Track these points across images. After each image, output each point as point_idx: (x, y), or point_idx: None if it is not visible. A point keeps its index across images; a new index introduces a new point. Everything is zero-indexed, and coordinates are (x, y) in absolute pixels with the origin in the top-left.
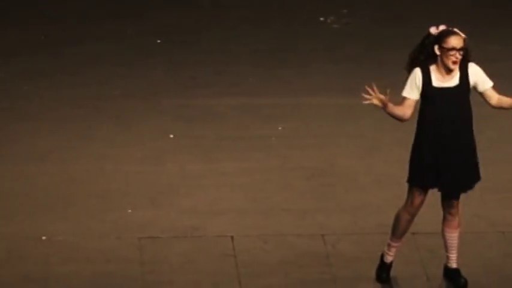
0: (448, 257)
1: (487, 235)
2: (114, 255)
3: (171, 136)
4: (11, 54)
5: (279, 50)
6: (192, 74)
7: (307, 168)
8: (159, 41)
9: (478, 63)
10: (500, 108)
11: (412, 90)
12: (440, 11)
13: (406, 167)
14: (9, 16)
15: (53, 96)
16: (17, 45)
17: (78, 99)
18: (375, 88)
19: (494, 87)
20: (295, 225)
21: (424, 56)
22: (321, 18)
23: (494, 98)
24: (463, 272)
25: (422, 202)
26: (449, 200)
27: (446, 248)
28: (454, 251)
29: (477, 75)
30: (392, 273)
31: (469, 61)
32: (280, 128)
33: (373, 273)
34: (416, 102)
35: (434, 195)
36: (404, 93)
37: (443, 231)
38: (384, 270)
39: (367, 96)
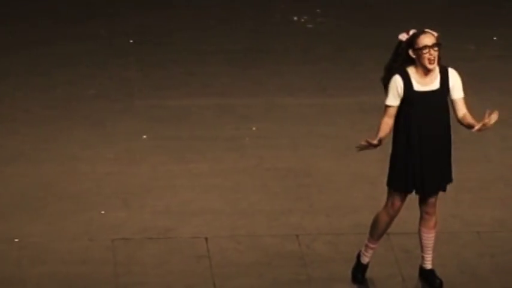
0: (423, 257)
1: (462, 235)
2: (87, 257)
3: (144, 137)
4: None
5: (252, 50)
6: (165, 74)
7: (282, 169)
8: (131, 41)
9: (453, 63)
10: (460, 123)
11: (395, 98)
12: (415, 10)
13: (381, 166)
14: None
15: (24, 97)
16: None
17: (50, 100)
18: (368, 142)
19: (463, 100)
20: (270, 225)
21: (399, 63)
22: (295, 18)
23: (462, 111)
24: (438, 272)
25: (402, 204)
26: (426, 199)
27: (421, 248)
28: (430, 252)
29: (455, 81)
30: (367, 273)
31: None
32: (254, 129)
33: (348, 273)
34: (397, 109)
35: (410, 196)
36: (388, 102)
37: (419, 231)
38: (359, 270)
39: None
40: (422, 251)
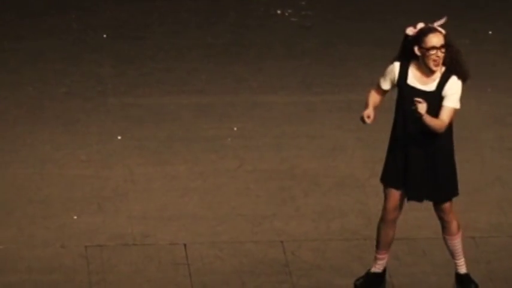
0: (455, 263)
1: None
2: (58, 264)
3: (119, 137)
4: None
5: (233, 44)
6: (141, 71)
7: (265, 171)
8: (105, 36)
9: None
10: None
11: (385, 80)
12: (406, 3)
13: (371, 168)
14: None
15: None
16: None
17: (19, 98)
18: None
19: (451, 112)
20: (252, 231)
21: (406, 57)
22: (278, 11)
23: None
24: (473, 276)
25: (395, 207)
26: (439, 206)
27: (451, 254)
28: (460, 257)
29: (450, 89)
30: (354, 281)
31: (452, 69)
32: (235, 129)
33: (335, 281)
34: (385, 93)
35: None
36: (380, 82)
37: (443, 238)
38: (366, 281)
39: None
40: (452, 257)
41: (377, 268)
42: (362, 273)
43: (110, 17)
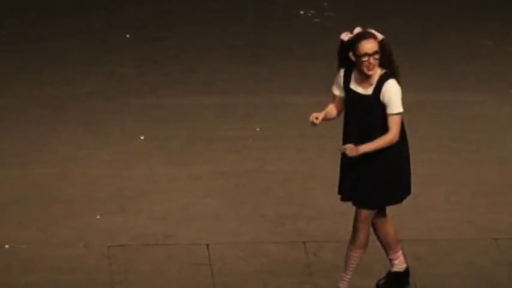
0: (341, 276)
1: (477, 242)
2: (81, 264)
3: (142, 138)
4: None
5: (255, 45)
6: (163, 71)
7: (286, 172)
8: (128, 36)
9: (470, 59)
10: None
11: (335, 87)
12: (428, 4)
13: None
14: None
15: (14, 95)
16: None
17: (42, 98)
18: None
19: (397, 118)
20: (274, 232)
21: (345, 62)
22: (301, 12)
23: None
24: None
25: (378, 215)
26: (356, 208)
27: (344, 265)
28: (349, 272)
29: (387, 96)
30: (376, 282)
31: (390, 73)
32: (257, 129)
33: (356, 282)
34: (342, 100)
35: (417, 199)
36: (333, 90)
37: (347, 247)
38: (388, 281)
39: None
40: (344, 267)
41: (396, 267)
42: (383, 274)
43: (132, 17)
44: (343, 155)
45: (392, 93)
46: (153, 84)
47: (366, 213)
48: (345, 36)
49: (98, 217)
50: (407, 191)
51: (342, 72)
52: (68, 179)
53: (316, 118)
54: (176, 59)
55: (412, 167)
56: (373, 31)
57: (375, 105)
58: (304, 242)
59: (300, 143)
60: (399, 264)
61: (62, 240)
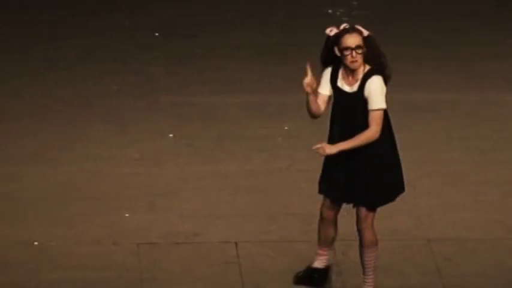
0: (362, 278)
1: (507, 242)
2: (110, 261)
3: (170, 136)
4: None
5: (283, 44)
6: (192, 69)
7: (315, 170)
8: (157, 35)
9: (496, 58)
10: None
11: (322, 85)
12: (455, 4)
13: (420, 168)
14: None
15: (44, 93)
16: (5, 39)
17: (71, 96)
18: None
19: (376, 113)
20: (303, 230)
21: (332, 58)
22: (329, 11)
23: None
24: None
25: (330, 207)
26: (356, 212)
27: (361, 267)
28: (367, 273)
29: (367, 91)
30: (407, 282)
31: (376, 69)
32: (286, 128)
33: (385, 282)
34: (328, 99)
35: (445, 199)
36: (318, 89)
37: (359, 249)
38: (301, 272)
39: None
40: (362, 271)
41: (316, 264)
42: (412, 273)
43: (161, 15)
44: (331, 157)
45: (374, 89)
46: (182, 82)
47: (367, 212)
48: (330, 31)
49: (127, 215)
50: (401, 189)
51: (329, 70)
52: (97, 177)
53: (308, 85)
54: (205, 58)
55: (440, 166)
56: (359, 27)
57: (359, 102)
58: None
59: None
60: (322, 262)
61: (91, 237)
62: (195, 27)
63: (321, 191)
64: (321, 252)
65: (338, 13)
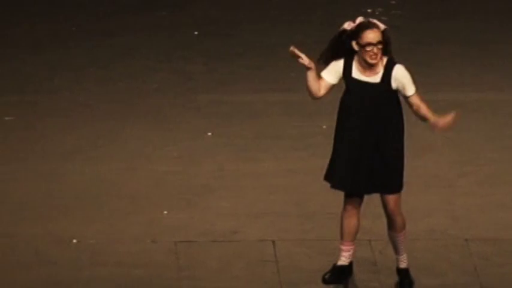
0: (396, 259)
1: None
2: (148, 259)
3: (209, 134)
4: (39, 46)
5: (322, 42)
6: (231, 68)
7: None
8: (196, 33)
9: None
10: (416, 115)
11: (330, 72)
12: (494, 3)
13: (459, 168)
14: (38, 6)
15: (83, 91)
16: (46, 37)
17: (110, 94)
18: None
19: (418, 94)
20: None
21: (343, 51)
22: (368, 10)
23: (415, 105)
24: (411, 273)
25: (354, 200)
26: (384, 200)
27: (394, 250)
28: (401, 253)
29: (399, 81)
30: (444, 281)
31: (393, 58)
32: (324, 127)
33: (422, 281)
34: (331, 87)
35: (483, 199)
36: (322, 73)
37: (388, 233)
38: (329, 272)
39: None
40: (394, 252)
41: (342, 261)
42: (449, 273)
43: (200, 14)
44: (351, 150)
45: (405, 76)
46: (220, 81)
47: (395, 198)
48: (348, 25)
49: (165, 213)
50: None
51: (341, 61)
52: (136, 175)
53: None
54: (244, 56)
55: (478, 166)
56: (375, 21)
57: (383, 93)
58: (369, 240)
59: None
60: (348, 258)
61: (130, 235)
62: (233, 25)
63: (334, 186)
64: (344, 248)
65: (377, 12)
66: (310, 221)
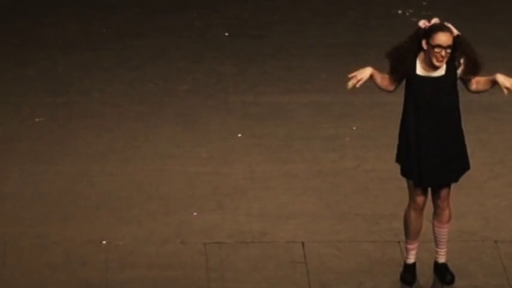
0: (436, 251)
1: None
2: (178, 260)
3: (239, 135)
4: (70, 47)
5: (353, 44)
6: (262, 69)
7: (383, 171)
8: (227, 34)
9: None
10: (477, 91)
11: (395, 71)
12: None
13: (490, 170)
14: (69, 7)
15: (114, 92)
16: (77, 38)
17: (141, 95)
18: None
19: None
20: (370, 231)
21: (413, 49)
22: (399, 11)
23: (475, 81)
24: (451, 267)
25: (420, 193)
26: (436, 191)
27: (435, 242)
28: (443, 246)
29: (463, 65)
30: (474, 283)
31: (461, 56)
32: (354, 128)
33: (454, 282)
34: (400, 81)
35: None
36: (389, 72)
37: (433, 224)
38: (405, 272)
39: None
40: (435, 244)
41: (411, 259)
42: (479, 274)
43: (231, 15)
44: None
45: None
46: (251, 82)
47: (450, 189)
48: (423, 24)
49: (195, 214)
50: None
51: (406, 59)
52: (166, 176)
53: (357, 78)
54: (275, 57)
55: (509, 167)
56: (450, 25)
57: (447, 84)
58: (399, 242)
59: (397, 142)
60: (415, 256)
61: (160, 236)
62: (264, 26)
63: (414, 182)
64: (412, 247)
65: (408, 13)
66: (340, 223)
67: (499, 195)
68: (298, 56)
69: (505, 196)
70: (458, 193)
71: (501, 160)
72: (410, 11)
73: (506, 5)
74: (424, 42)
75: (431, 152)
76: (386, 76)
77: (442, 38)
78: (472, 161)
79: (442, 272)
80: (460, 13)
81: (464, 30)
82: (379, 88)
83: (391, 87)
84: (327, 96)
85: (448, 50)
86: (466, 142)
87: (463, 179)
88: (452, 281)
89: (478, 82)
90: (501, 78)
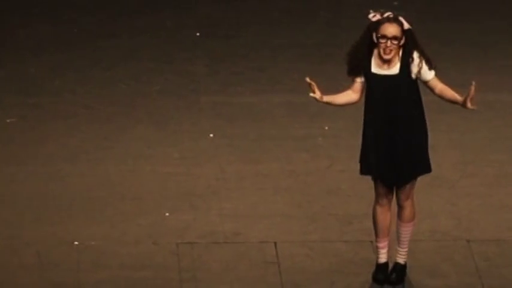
0: (396, 250)
1: None
2: (150, 261)
3: (211, 135)
4: (41, 48)
5: (325, 44)
6: (233, 69)
7: (356, 171)
8: (198, 34)
9: None
10: (442, 99)
11: (355, 72)
12: (498, 4)
13: (462, 170)
14: (40, 8)
15: (85, 93)
16: (48, 39)
17: (113, 95)
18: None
19: (437, 76)
20: (342, 231)
21: (366, 43)
22: (371, 11)
23: (437, 87)
24: (407, 271)
25: (386, 191)
26: (399, 189)
27: (397, 240)
28: (403, 245)
29: (417, 65)
30: (446, 282)
31: (413, 51)
32: (326, 128)
33: (425, 282)
34: (364, 84)
35: (486, 200)
36: (352, 76)
37: (396, 223)
38: (379, 272)
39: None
40: (397, 243)
41: (383, 258)
42: (452, 273)
43: (203, 15)
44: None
45: (421, 61)
46: (223, 82)
47: (412, 188)
48: (373, 16)
49: (167, 214)
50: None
51: (361, 57)
52: (138, 176)
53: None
54: (246, 58)
55: (480, 167)
56: (401, 18)
57: (403, 83)
58: (371, 242)
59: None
60: (387, 254)
61: (132, 237)
62: (236, 27)
63: (374, 177)
64: (381, 245)
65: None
66: (312, 223)
67: (471, 194)
68: (269, 56)
69: (477, 195)
70: (430, 193)
71: (473, 160)
72: (381, 10)
73: (478, 4)
74: (374, 36)
75: (387, 150)
76: (351, 85)
77: (388, 29)
78: (444, 161)
79: (392, 270)
80: (431, 13)
81: (436, 30)
82: (345, 105)
83: (356, 96)
84: (299, 96)
85: (394, 41)
86: (436, 142)
87: (434, 179)
88: (396, 282)
89: (442, 89)
90: (469, 106)
